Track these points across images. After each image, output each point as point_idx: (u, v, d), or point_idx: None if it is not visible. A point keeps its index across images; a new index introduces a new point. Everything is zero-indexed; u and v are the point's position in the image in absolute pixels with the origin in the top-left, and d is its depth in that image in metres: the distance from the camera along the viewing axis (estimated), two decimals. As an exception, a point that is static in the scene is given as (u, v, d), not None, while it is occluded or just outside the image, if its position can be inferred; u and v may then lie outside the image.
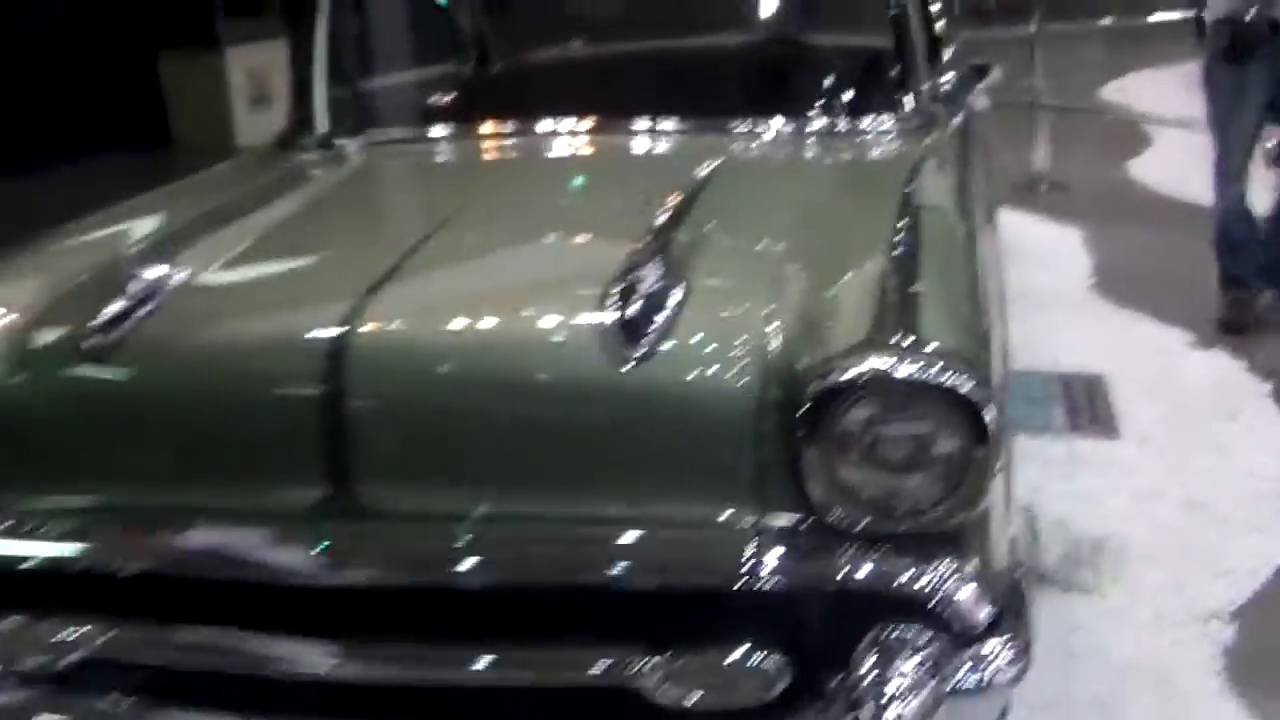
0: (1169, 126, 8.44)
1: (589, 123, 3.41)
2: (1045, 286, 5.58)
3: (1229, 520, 3.51)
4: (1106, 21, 11.88)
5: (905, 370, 1.99)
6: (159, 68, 10.46)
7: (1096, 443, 4.02)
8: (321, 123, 3.60)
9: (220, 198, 3.09)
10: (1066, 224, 6.63)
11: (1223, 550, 3.36)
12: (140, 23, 10.15)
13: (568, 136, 3.41)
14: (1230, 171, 5.03)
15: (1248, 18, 4.74)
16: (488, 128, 3.51)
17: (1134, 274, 5.77)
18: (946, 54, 4.30)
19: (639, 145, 3.35)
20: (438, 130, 3.62)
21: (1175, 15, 11.12)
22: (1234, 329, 4.98)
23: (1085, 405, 4.29)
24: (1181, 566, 3.27)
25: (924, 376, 1.99)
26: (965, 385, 1.98)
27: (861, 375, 1.99)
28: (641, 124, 3.38)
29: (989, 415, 2.00)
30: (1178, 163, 7.77)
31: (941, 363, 2.00)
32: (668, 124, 3.36)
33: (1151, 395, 4.38)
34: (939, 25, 4.53)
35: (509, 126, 3.48)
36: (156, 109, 10.44)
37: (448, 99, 4.24)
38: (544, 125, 3.42)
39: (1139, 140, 8.44)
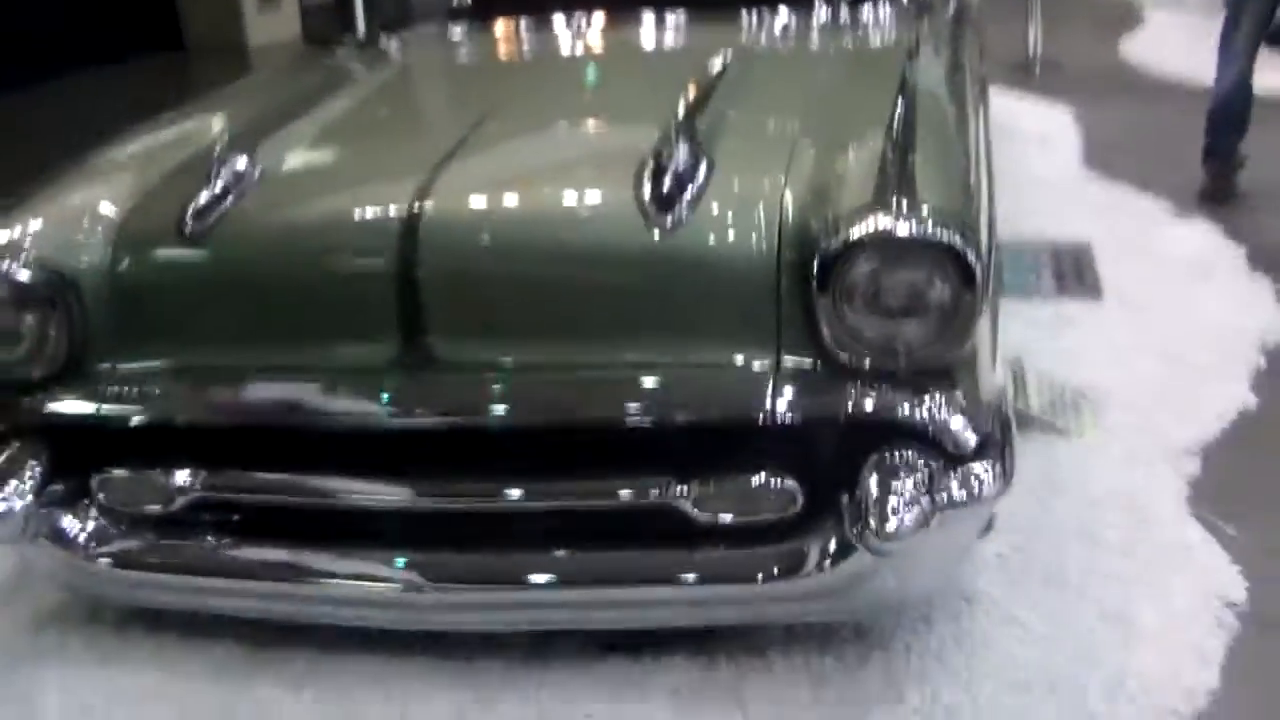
0: (1160, 7, 8.63)
1: (605, 14, 3.70)
2: (1038, 162, 5.87)
3: (1201, 370, 3.84)
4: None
5: (903, 228, 2.32)
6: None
7: (1081, 304, 4.34)
8: (362, 22, 3.90)
9: (283, 93, 3.40)
10: (1059, 102, 6.88)
11: (1194, 396, 3.68)
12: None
13: (588, 28, 3.70)
14: (1237, 47, 5.21)
15: None
16: (509, 23, 3.81)
17: (1122, 149, 6.05)
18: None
19: (655, 36, 3.65)
20: (465, 26, 3.92)
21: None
22: (1216, 200, 5.28)
23: (1072, 271, 4.60)
24: (1156, 411, 3.60)
25: (919, 232, 2.32)
26: (954, 239, 2.31)
27: (865, 233, 2.32)
28: (655, 15, 3.67)
29: (975, 264, 2.33)
30: (1168, 42, 8.03)
31: (933, 220, 2.33)
32: (681, 15, 3.66)
33: (1134, 260, 4.69)
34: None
35: (529, 21, 3.77)
36: (169, 13, 10.62)
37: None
38: (563, 18, 3.72)
39: (1131, 19, 8.65)
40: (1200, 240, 4.90)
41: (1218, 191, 5.30)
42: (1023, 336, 4.01)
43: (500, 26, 3.83)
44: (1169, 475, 3.31)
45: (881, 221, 2.33)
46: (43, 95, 9.07)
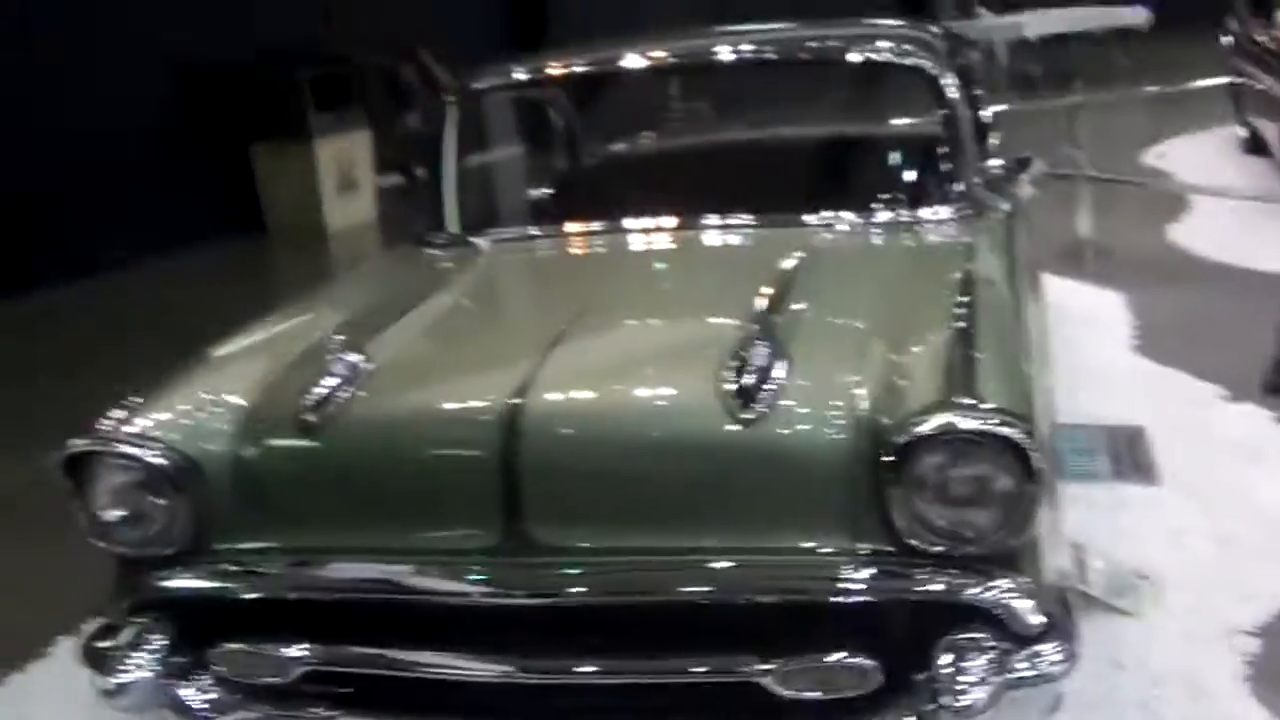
0: (1207, 195, 8.88)
1: (677, 219, 3.97)
2: (1091, 347, 6.06)
3: (1254, 552, 3.99)
4: (1147, 89, 12.32)
5: (969, 424, 2.53)
6: (252, 159, 11.15)
7: (1137, 487, 4.51)
8: (453, 223, 4.19)
9: (387, 289, 3.68)
10: (1110, 288, 7.10)
11: (1248, 577, 3.83)
12: (234, 117, 10.86)
13: (661, 232, 3.97)
14: None
15: None
16: (588, 224, 4.08)
17: (1172, 333, 6.24)
18: (993, 138, 4.84)
19: (727, 239, 3.91)
20: (546, 227, 4.20)
21: (1212, 81, 11.56)
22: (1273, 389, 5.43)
23: (1127, 454, 4.77)
24: (1211, 591, 3.74)
25: (984, 429, 2.53)
26: (1016, 434, 2.52)
27: (934, 430, 2.53)
28: (724, 219, 3.94)
29: (1035, 458, 2.53)
30: (1214, 229, 8.25)
31: (997, 418, 2.54)
32: (748, 219, 3.92)
33: (1187, 444, 4.85)
34: (985, 112, 5.08)
35: (607, 223, 4.04)
36: (250, 196, 11.12)
37: (550, 198, 4.85)
38: (637, 222, 3.99)
39: (1179, 207, 8.89)
40: (1250, 425, 5.05)
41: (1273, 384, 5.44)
42: (1082, 519, 4.16)
43: (578, 227, 4.10)
44: (1226, 654, 3.44)
45: (949, 419, 2.54)
46: (127, 278, 9.50)
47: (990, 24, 16.90)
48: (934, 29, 4.79)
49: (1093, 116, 8.68)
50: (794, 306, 3.12)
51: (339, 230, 10.95)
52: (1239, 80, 10.66)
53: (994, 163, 4.42)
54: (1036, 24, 16.17)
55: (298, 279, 9.77)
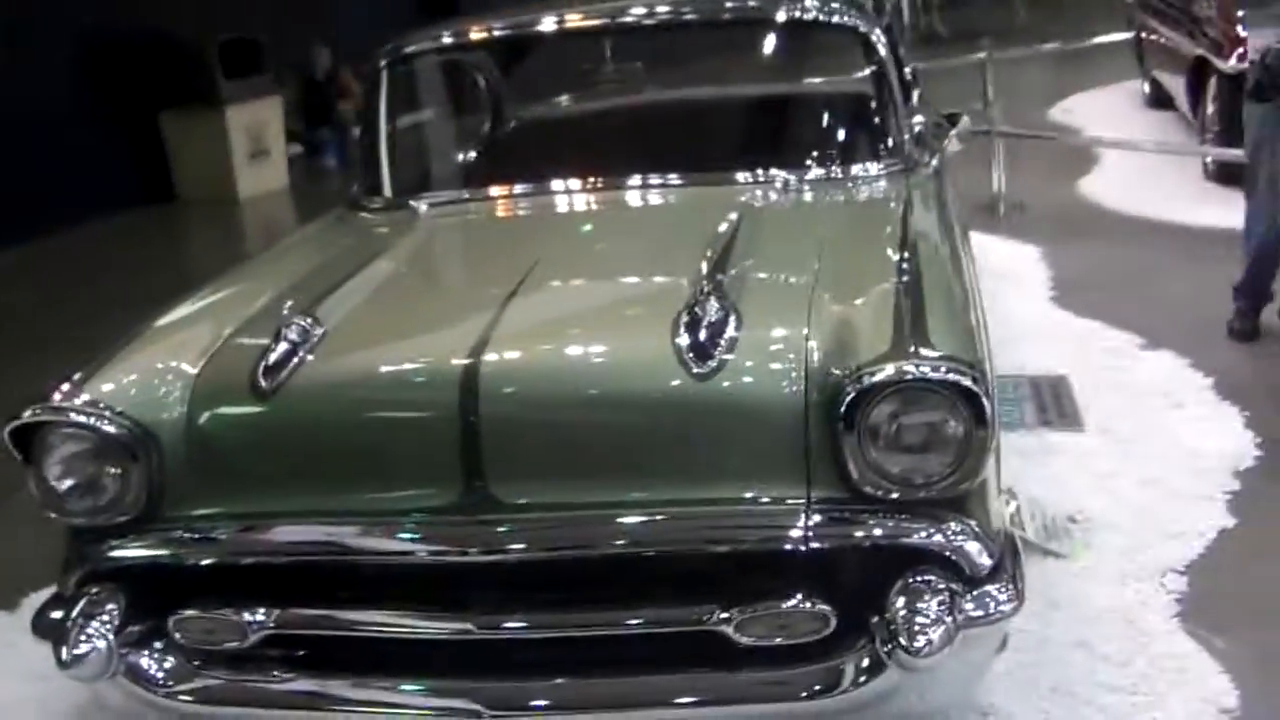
0: (1116, 149, 9.06)
1: (611, 179, 3.99)
2: (1011, 300, 6.18)
3: (1179, 493, 4.11)
4: (1051, 45, 12.53)
5: (920, 372, 2.59)
6: (161, 127, 10.97)
7: (1063, 434, 4.62)
8: (388, 187, 4.19)
9: (330, 254, 3.68)
10: (1026, 242, 7.24)
11: (1175, 518, 3.95)
12: (142, 84, 10.68)
13: (597, 193, 3.99)
14: (1260, 198, 5.44)
15: (1268, 59, 5.25)
16: (526, 186, 4.09)
17: (1088, 285, 6.38)
18: (916, 94, 4.91)
19: (663, 198, 3.94)
20: (482, 190, 4.20)
21: (1115, 37, 11.79)
22: (1243, 337, 5.53)
23: (1052, 403, 4.89)
24: (1140, 532, 3.86)
25: (935, 375, 2.59)
26: (967, 381, 2.59)
27: (886, 378, 2.59)
28: (659, 178, 3.96)
29: (988, 404, 2.60)
30: (1124, 182, 8.44)
31: (947, 364, 2.60)
32: (683, 177, 3.95)
33: (1109, 392, 4.98)
34: (908, 70, 5.16)
35: (542, 185, 4.05)
36: (160, 166, 10.94)
37: (481, 162, 4.84)
38: (571, 183, 4.01)
39: (1088, 161, 9.06)
40: (1168, 371, 5.19)
41: (1247, 329, 5.56)
42: (1011, 466, 4.25)
43: (516, 189, 4.09)
44: (1159, 592, 3.56)
45: (900, 366, 2.60)
46: (36, 248, 9.32)
47: (894, -18, 17.06)
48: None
49: (1000, 72, 8.81)
50: (738, 263, 3.17)
51: (251, 197, 10.82)
52: (1142, 34, 10.88)
53: (919, 119, 4.49)
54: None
55: (209, 246, 9.67)
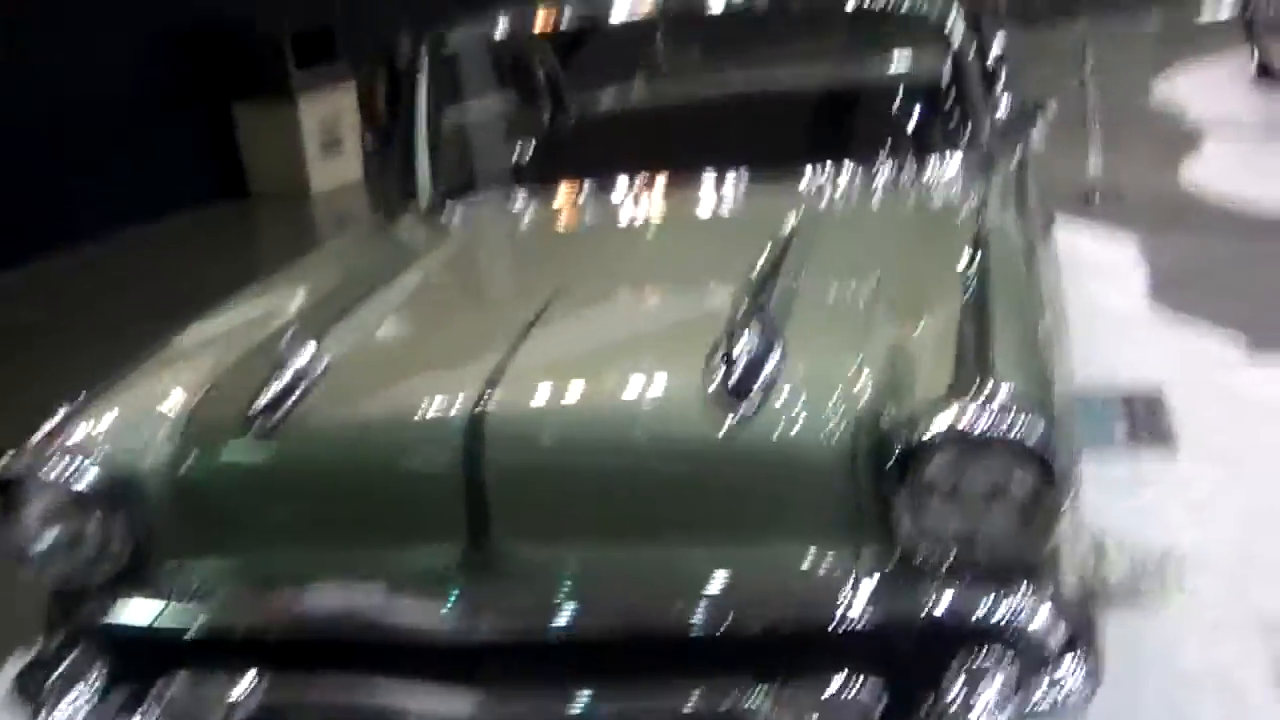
0: (1219, 129, 8.57)
1: (665, 178, 3.69)
2: (1103, 299, 5.78)
3: (1286, 528, 3.73)
4: (1155, 19, 12.00)
5: (981, 424, 2.26)
6: (234, 119, 10.81)
7: (1157, 456, 4.24)
8: (424, 192, 3.91)
9: (348, 273, 3.40)
10: (1122, 234, 6.79)
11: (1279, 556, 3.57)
12: (215, 77, 10.53)
13: (650, 191, 3.68)
14: None
15: None
16: (570, 187, 3.80)
17: (1188, 283, 5.96)
18: (1002, 81, 4.53)
19: (718, 200, 3.62)
20: (527, 191, 3.90)
21: (1223, 16, 11.23)
22: None
23: (1145, 420, 4.51)
24: (1240, 574, 3.49)
25: (997, 429, 2.25)
26: (1034, 435, 2.25)
27: (942, 430, 2.26)
28: (716, 177, 3.65)
29: (1056, 460, 2.26)
30: (1229, 165, 7.95)
31: (1012, 415, 2.26)
32: (742, 176, 3.64)
33: (1208, 407, 4.58)
34: (995, 52, 4.78)
35: (592, 185, 3.76)
36: (233, 161, 10.81)
37: (531, 160, 4.55)
38: (622, 182, 3.71)
39: (1191, 142, 8.58)
40: (1276, 382, 4.77)
41: None
42: (1097, 495, 3.89)
43: (562, 190, 3.82)
44: (1260, 649, 3.19)
45: (959, 416, 2.27)
46: (116, 244, 9.23)
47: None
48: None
49: (1101, 47, 8.37)
50: (790, 278, 2.87)
51: (323, 191, 10.60)
52: (1251, 3, 10.34)
53: (1005, 106, 4.13)
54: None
55: (280, 243, 9.49)
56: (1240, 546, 3.65)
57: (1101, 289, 5.95)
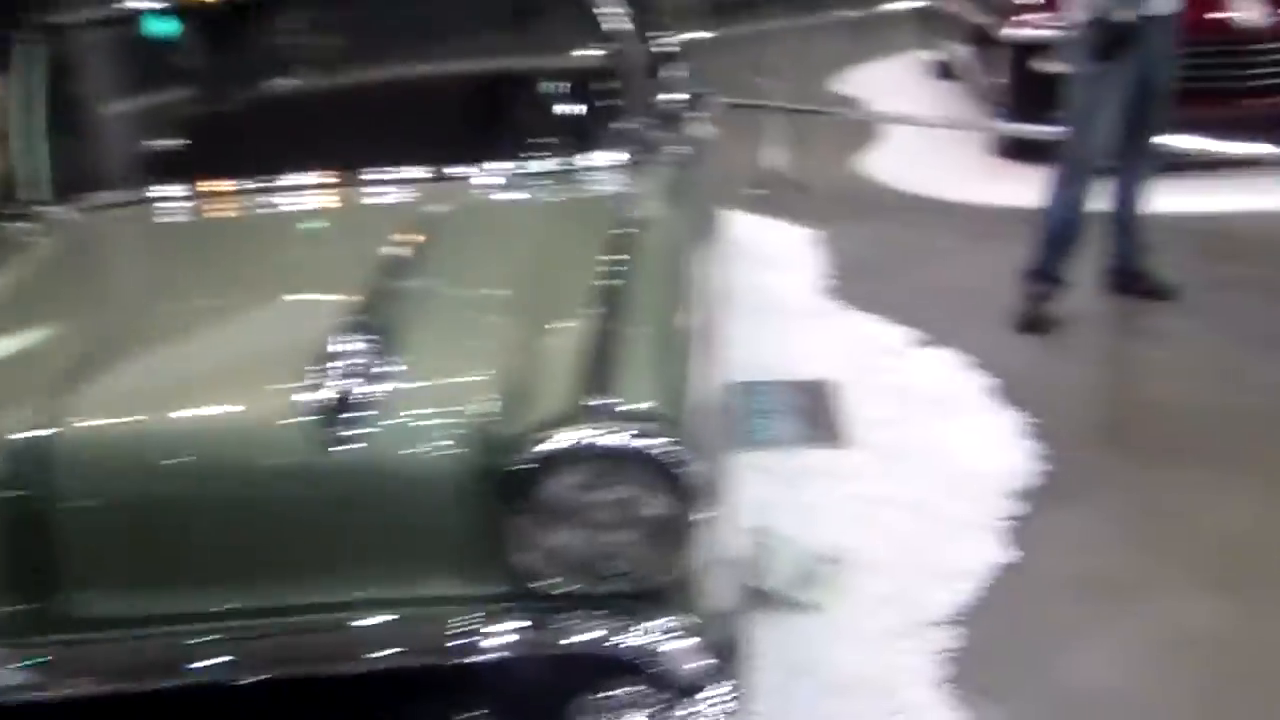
0: (897, 124, 8.72)
1: (294, 175, 3.34)
2: (779, 290, 5.72)
3: (951, 522, 3.67)
4: (840, 14, 12.21)
5: (607, 440, 2.04)
6: None
7: (825, 451, 4.15)
8: (31, 189, 3.46)
9: None
10: (802, 224, 6.75)
11: (944, 554, 3.50)
12: None
13: (275, 191, 3.33)
14: (1082, 169, 5.07)
15: (1118, 16, 4.81)
16: (196, 185, 3.40)
17: (865, 272, 5.96)
18: (678, 70, 4.34)
19: (346, 198, 3.31)
20: (147, 189, 3.48)
21: (902, 6, 11.49)
22: (1036, 327, 5.13)
23: (815, 413, 4.41)
24: (905, 573, 3.40)
25: (626, 445, 2.04)
26: (667, 451, 2.04)
27: (564, 447, 2.04)
28: (346, 174, 3.32)
29: (689, 477, 2.06)
30: (908, 157, 8.07)
31: (643, 430, 2.06)
32: (375, 173, 3.32)
33: (878, 398, 4.53)
34: (664, 41, 4.60)
35: (207, 182, 3.39)
36: None
37: (157, 155, 4.10)
38: (251, 179, 3.35)
39: (871, 136, 8.67)
40: (944, 372, 4.77)
41: (1038, 317, 5.17)
42: (765, 492, 3.79)
43: (184, 189, 3.41)
44: (921, 651, 3.10)
45: (581, 432, 2.05)
46: None
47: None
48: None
49: (787, 42, 8.38)
50: (413, 282, 2.58)
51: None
52: (928, 2, 10.58)
53: (671, 98, 3.95)
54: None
55: None
56: (903, 543, 3.56)
57: (778, 280, 5.88)
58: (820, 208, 7.06)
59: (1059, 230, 5.14)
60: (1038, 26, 7.07)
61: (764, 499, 3.70)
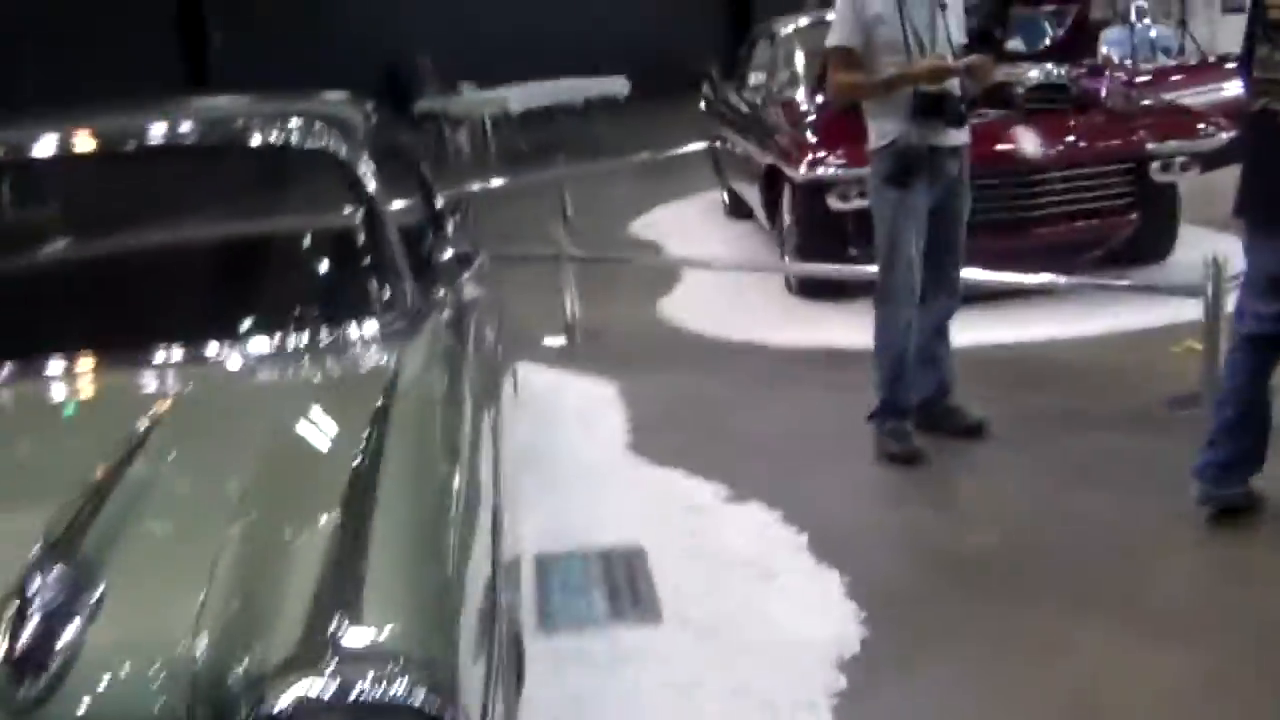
0: (694, 268, 8.58)
1: (30, 359, 2.93)
2: (580, 449, 5.41)
3: (772, 705, 3.35)
4: (631, 158, 12.19)
5: (345, 690, 1.68)
6: None
7: (638, 629, 3.81)
8: None
9: None
10: (601, 377, 6.46)
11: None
12: None
13: None
14: (897, 298, 4.97)
15: (908, 142, 4.78)
16: None
17: (667, 424, 5.69)
18: (440, 229, 4.05)
19: (66, 388, 2.90)
20: None
21: (692, 147, 11.48)
22: (906, 459, 4.98)
23: (626, 585, 4.08)
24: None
25: (368, 694, 1.68)
26: (418, 697, 1.69)
27: (292, 701, 1.67)
28: (67, 357, 2.91)
29: (453, 715, 1.72)
30: (704, 300, 7.89)
31: (388, 672, 1.70)
32: (102, 356, 2.92)
33: (690, 564, 4.22)
34: (440, 201, 4.33)
35: None
36: None
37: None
38: None
39: (668, 280, 8.46)
40: (756, 530, 4.49)
41: (904, 451, 5.01)
42: (575, 681, 3.44)
43: None
44: None
45: (311, 684, 1.68)
46: None
47: (474, 99, 16.58)
48: (366, 105, 3.96)
49: (581, 188, 8.21)
50: (127, 495, 2.19)
51: None
52: (717, 144, 10.57)
53: (441, 259, 3.66)
54: (520, 97, 15.91)
55: None
56: (725, 733, 3.24)
57: (579, 438, 5.58)
58: (621, 357, 6.81)
59: (894, 363, 5.03)
60: (827, 166, 7.00)
61: (581, 687, 3.35)
